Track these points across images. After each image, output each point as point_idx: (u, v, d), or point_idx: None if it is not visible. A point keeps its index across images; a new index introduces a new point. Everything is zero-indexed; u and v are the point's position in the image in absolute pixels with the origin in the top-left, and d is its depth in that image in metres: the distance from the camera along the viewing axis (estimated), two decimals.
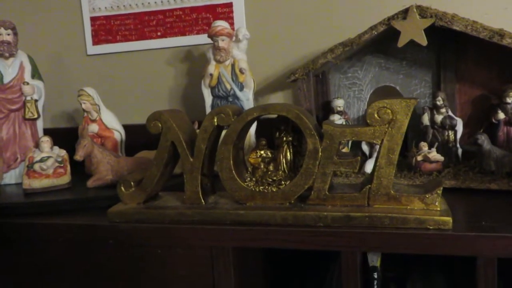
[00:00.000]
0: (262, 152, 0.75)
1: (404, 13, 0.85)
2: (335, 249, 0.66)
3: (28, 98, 1.05)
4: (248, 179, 0.75)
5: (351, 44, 0.92)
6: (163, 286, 0.76)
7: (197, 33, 1.25)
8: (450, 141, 0.92)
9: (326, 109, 1.06)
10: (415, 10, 0.84)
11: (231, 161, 0.72)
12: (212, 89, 1.06)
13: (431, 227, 0.63)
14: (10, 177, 1.05)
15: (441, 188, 0.65)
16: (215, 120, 0.72)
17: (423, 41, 0.85)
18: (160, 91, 1.30)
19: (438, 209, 0.65)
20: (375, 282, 0.76)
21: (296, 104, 1.16)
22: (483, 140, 0.82)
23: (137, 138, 1.16)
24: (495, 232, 0.61)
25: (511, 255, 0.60)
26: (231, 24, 1.20)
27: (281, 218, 0.69)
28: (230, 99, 1.06)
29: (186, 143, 0.74)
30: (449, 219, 0.62)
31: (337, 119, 0.99)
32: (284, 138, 0.74)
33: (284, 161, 0.75)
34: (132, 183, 0.78)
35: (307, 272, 1.02)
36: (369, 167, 0.90)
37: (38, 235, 0.80)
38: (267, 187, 0.72)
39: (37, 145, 1.03)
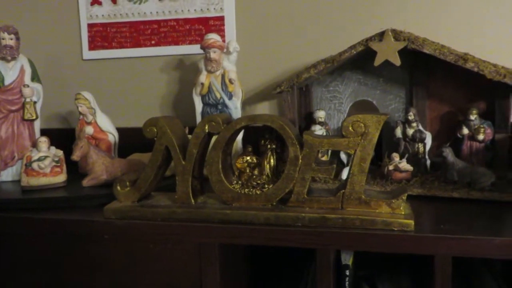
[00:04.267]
0: (248, 158, 0.83)
1: (380, 36, 0.94)
2: (311, 247, 0.74)
3: (28, 100, 1.10)
4: (235, 182, 0.82)
5: (332, 61, 1.00)
6: (154, 278, 0.82)
7: (190, 43, 1.32)
8: (419, 153, 1.01)
9: (309, 120, 1.14)
10: (390, 33, 0.93)
11: (220, 165, 0.80)
12: (203, 97, 1.13)
13: (395, 229, 0.71)
14: (7, 175, 1.10)
15: (406, 195, 0.73)
16: (206, 127, 0.80)
17: (397, 62, 0.93)
18: (152, 96, 1.37)
19: (403, 213, 0.73)
20: (347, 279, 0.84)
21: (281, 114, 1.24)
22: (448, 153, 0.91)
23: (129, 140, 1.22)
24: (451, 234, 0.69)
25: (464, 254, 0.68)
26: (222, 36, 1.28)
27: (264, 218, 0.76)
28: (220, 107, 1.13)
29: (179, 148, 0.81)
30: (411, 222, 0.71)
31: (318, 129, 1.07)
32: (269, 146, 0.82)
33: (268, 166, 0.82)
34: (127, 183, 0.84)
35: (285, 270, 1.09)
36: (345, 174, 0.98)
37: (37, 229, 0.86)
38: (251, 189, 0.79)
39: (34, 145, 1.09)
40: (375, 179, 0.97)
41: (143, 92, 1.37)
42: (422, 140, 1.00)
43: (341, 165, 1.06)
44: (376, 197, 0.75)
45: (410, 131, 1.01)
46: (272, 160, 0.82)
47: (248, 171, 0.82)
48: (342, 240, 0.72)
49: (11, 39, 1.08)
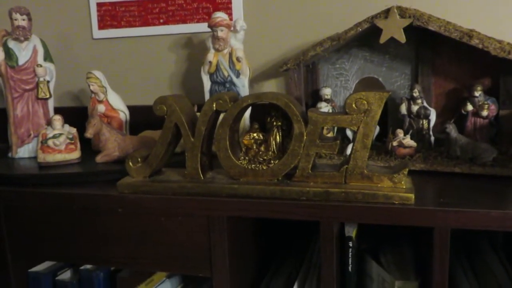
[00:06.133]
0: (254, 134, 0.85)
1: (386, 13, 0.94)
2: (315, 220, 0.77)
3: (41, 79, 1.14)
4: (242, 158, 0.84)
5: (338, 39, 1.01)
6: (165, 249, 0.87)
7: (197, 22, 1.33)
8: (424, 129, 1.02)
9: (315, 97, 1.15)
10: (395, 10, 0.93)
11: (227, 142, 0.82)
12: (211, 75, 1.15)
13: (396, 202, 0.74)
14: (24, 152, 1.15)
15: (407, 170, 0.76)
16: (214, 105, 0.82)
17: (402, 39, 0.94)
18: (161, 75, 1.39)
19: (404, 187, 0.75)
20: (350, 251, 0.87)
21: (288, 91, 1.25)
22: (451, 129, 0.93)
23: (140, 118, 1.25)
24: (449, 207, 0.71)
25: (462, 226, 0.71)
26: (229, 14, 1.29)
27: (269, 192, 0.79)
28: (227, 85, 1.15)
29: (188, 125, 0.84)
30: (411, 195, 0.73)
31: (324, 106, 1.09)
32: (274, 123, 0.84)
33: (274, 143, 0.84)
34: (139, 159, 0.87)
35: (292, 242, 1.13)
36: (350, 150, 1.00)
37: (54, 203, 0.90)
38: (258, 165, 0.82)
39: (49, 123, 1.13)
40: (379, 155, 0.99)
41: (152, 70, 1.39)
42: (427, 117, 1.02)
43: (347, 141, 1.08)
44: (378, 172, 0.78)
45: (414, 108, 1.02)
46: (278, 137, 0.85)
47: (255, 147, 0.85)
48: (344, 213, 0.75)
49: (23, 19, 1.11)
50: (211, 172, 0.88)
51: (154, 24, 1.37)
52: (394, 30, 0.94)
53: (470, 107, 0.99)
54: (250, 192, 0.80)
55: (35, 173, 0.99)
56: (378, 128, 1.06)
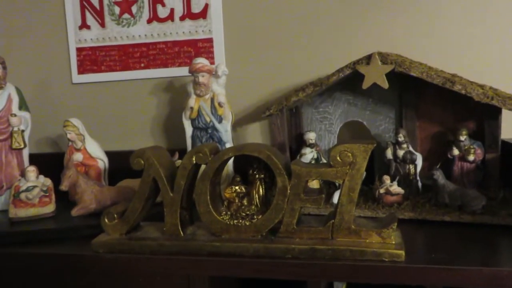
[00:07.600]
0: (237, 187, 0.82)
1: (368, 59, 0.94)
2: (301, 279, 0.73)
3: (15, 129, 1.09)
4: (224, 212, 0.81)
5: (321, 84, 0.99)
6: None
7: (179, 66, 1.32)
8: (410, 174, 1.00)
9: (300, 141, 1.13)
10: (377, 56, 0.93)
11: (208, 196, 0.79)
12: (193, 121, 1.13)
13: (386, 259, 0.70)
14: None
15: (396, 224, 0.73)
16: (194, 158, 0.79)
17: (385, 85, 0.93)
18: (142, 119, 1.36)
19: (393, 242, 0.72)
20: None
21: (271, 136, 1.23)
22: (438, 175, 0.91)
23: (120, 164, 1.21)
24: (441, 264, 0.68)
25: (455, 284, 0.67)
26: (211, 58, 1.28)
27: (253, 250, 0.75)
28: (210, 131, 1.12)
29: (167, 179, 0.80)
30: (402, 252, 0.70)
31: (308, 152, 1.06)
32: (257, 175, 0.81)
33: (257, 196, 0.81)
34: (115, 215, 0.83)
35: None
36: (336, 197, 0.97)
37: (25, 264, 0.84)
38: (241, 220, 0.78)
39: (22, 174, 1.08)
40: (366, 202, 0.96)
41: (134, 115, 1.36)
42: (413, 162, 1.00)
43: (334, 188, 1.05)
44: (366, 226, 0.74)
45: (400, 153, 1.00)
46: (261, 190, 0.81)
47: (237, 201, 0.81)
48: (332, 272, 0.71)
49: None
50: (191, 227, 0.84)
51: (135, 68, 1.35)
52: (376, 76, 0.93)
53: (456, 152, 0.97)
54: (233, 250, 0.76)
55: (5, 230, 0.93)
56: (364, 173, 1.03)
